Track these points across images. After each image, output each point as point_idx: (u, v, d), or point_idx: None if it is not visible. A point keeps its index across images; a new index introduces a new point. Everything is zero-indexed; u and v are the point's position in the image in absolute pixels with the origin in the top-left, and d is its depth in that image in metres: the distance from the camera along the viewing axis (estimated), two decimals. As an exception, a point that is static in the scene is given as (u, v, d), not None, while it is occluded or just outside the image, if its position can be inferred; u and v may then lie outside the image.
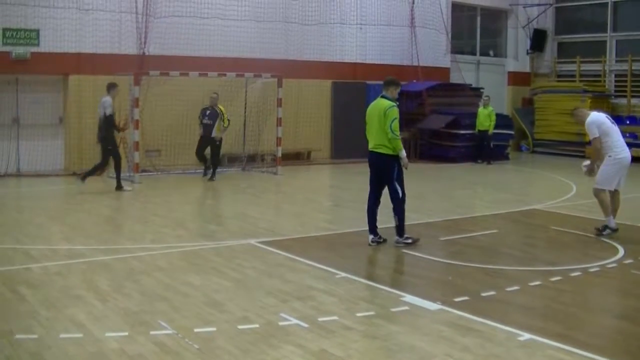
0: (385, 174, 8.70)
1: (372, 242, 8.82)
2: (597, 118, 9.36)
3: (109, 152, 13.20)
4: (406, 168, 8.76)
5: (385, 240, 8.85)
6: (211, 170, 15.28)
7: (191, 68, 15.95)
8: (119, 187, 13.41)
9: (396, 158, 8.64)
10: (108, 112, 13.01)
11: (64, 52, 15.93)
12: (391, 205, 8.72)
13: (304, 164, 19.08)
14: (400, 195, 8.66)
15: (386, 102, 8.65)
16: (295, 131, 19.05)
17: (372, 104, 8.94)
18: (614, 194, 9.46)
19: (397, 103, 8.77)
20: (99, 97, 15.93)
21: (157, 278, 7.16)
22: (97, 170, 13.53)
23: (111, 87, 13.29)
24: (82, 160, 16.14)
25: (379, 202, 8.90)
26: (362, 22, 20.49)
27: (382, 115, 8.55)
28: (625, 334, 5.71)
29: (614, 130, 9.36)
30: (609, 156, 9.29)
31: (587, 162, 9.71)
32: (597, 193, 9.41)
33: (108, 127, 13.08)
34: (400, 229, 8.76)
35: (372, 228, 8.87)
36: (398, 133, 8.56)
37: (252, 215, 11.12)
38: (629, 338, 5.64)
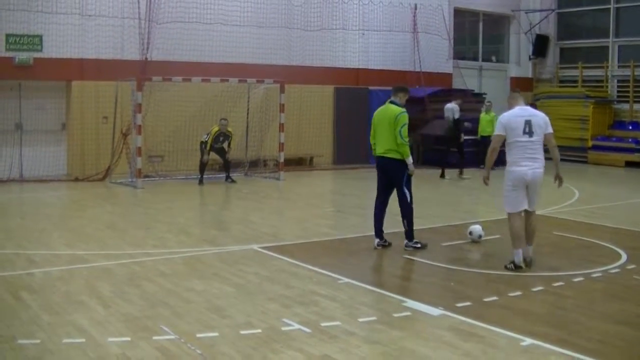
0: (395, 178, 8.73)
1: (378, 245, 8.85)
2: (509, 117, 7.93)
3: (453, 148, 16.70)
4: (411, 174, 8.77)
5: (390, 244, 8.87)
6: (227, 173, 15.88)
7: (194, 74, 16.00)
8: (441, 176, 16.76)
9: (406, 163, 8.68)
10: (457, 116, 16.51)
11: (66, 57, 15.98)
12: (398, 210, 8.74)
13: (306, 169, 19.08)
14: (409, 199, 8.70)
15: (397, 108, 8.69)
16: (298, 137, 19.08)
17: (380, 109, 8.93)
18: (526, 217, 7.96)
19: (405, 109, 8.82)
20: (101, 102, 16.14)
21: (159, 283, 7.17)
22: (445, 165, 16.75)
23: (455, 98, 17.33)
24: (85, 165, 16.21)
25: (386, 206, 8.95)
26: (365, 28, 20.51)
27: (392, 120, 8.59)
28: (627, 340, 5.69)
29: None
30: (507, 169, 8.11)
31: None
32: (508, 217, 7.96)
33: (456, 128, 16.55)
34: (409, 233, 8.80)
35: (378, 232, 8.90)
36: (407, 139, 8.61)
37: (254, 221, 11.12)
38: (631, 344, 5.62)
